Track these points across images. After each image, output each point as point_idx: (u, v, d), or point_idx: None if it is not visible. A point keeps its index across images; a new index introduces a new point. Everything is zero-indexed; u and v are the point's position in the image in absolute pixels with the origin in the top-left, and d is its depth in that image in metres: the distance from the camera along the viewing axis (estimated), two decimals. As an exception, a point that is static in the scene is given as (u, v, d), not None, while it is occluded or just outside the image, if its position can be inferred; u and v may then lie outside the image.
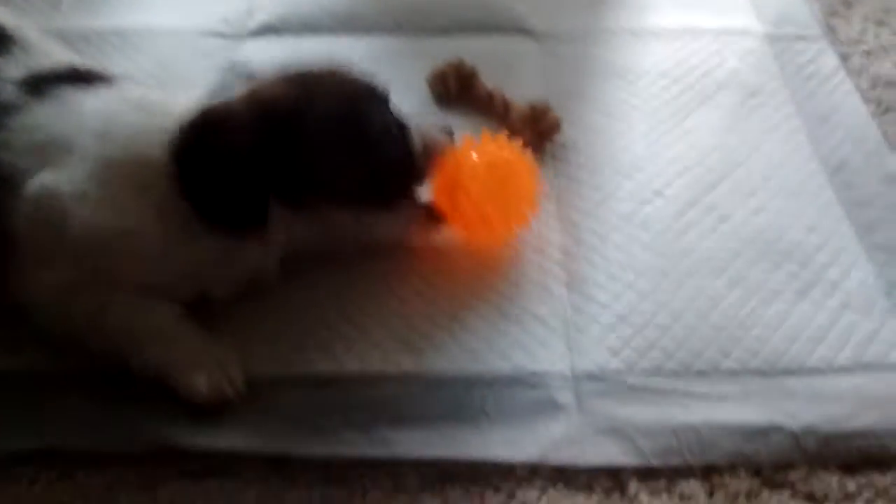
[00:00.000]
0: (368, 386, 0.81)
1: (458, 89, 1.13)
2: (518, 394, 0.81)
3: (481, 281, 0.91)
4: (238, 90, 0.84)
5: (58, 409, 0.80)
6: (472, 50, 1.18)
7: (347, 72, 0.88)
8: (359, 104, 0.84)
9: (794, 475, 0.76)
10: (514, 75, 1.17)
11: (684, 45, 1.22)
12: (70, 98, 0.85)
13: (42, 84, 0.86)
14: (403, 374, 0.82)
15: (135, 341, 0.80)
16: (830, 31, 1.24)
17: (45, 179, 0.80)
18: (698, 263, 0.92)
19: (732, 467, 0.76)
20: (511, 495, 0.75)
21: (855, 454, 0.76)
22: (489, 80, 1.13)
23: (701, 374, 0.82)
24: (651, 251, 0.93)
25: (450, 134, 0.93)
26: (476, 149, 0.91)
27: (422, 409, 0.79)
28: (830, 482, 0.75)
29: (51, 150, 0.81)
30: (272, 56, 1.19)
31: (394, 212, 0.89)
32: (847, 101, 1.12)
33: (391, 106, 0.88)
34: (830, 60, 1.19)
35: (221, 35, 1.24)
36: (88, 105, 0.84)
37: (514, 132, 1.04)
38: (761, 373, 0.82)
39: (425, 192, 0.92)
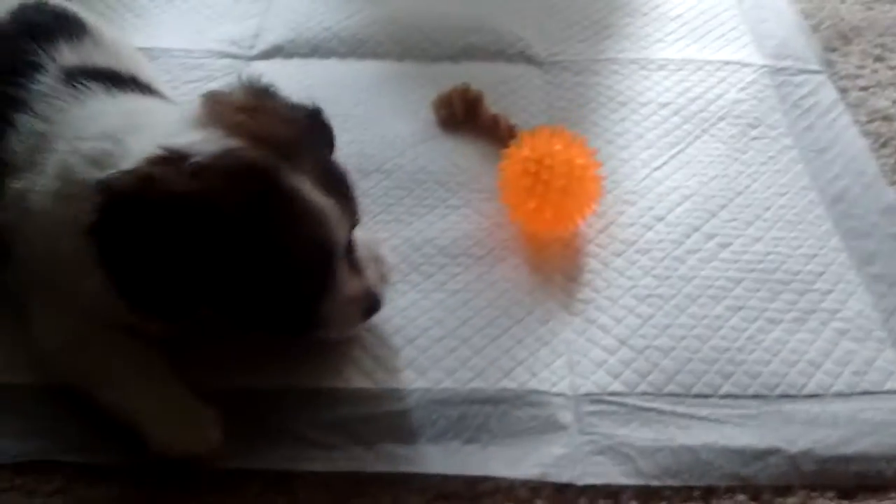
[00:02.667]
0: (373, 402, 0.82)
1: (463, 113, 1.14)
2: (520, 412, 0.82)
3: (485, 302, 0.92)
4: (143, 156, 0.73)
5: (59, 421, 0.80)
6: (477, 76, 1.19)
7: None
8: (266, 194, 0.71)
9: (792, 499, 0.76)
10: (519, 102, 1.18)
11: (686, 76, 1.23)
12: (88, 99, 0.83)
13: (79, 77, 0.84)
14: (408, 391, 0.82)
15: (106, 380, 0.78)
16: (829, 66, 1.26)
17: (21, 183, 0.79)
18: (699, 289, 0.93)
19: (731, 491, 0.76)
20: (510, 515, 0.75)
21: (852, 479, 0.77)
22: (494, 105, 1.14)
23: (700, 397, 0.83)
24: (652, 276, 0.94)
25: None
26: (556, 142, 0.95)
27: (425, 426, 0.80)
28: (829, 508, 0.76)
29: (41, 150, 0.80)
30: (279, 78, 1.23)
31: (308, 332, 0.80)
32: (845, 134, 1.14)
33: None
34: (829, 94, 1.20)
35: (230, 56, 1.26)
36: (94, 113, 0.81)
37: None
38: (760, 397, 0.83)
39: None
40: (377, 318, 0.86)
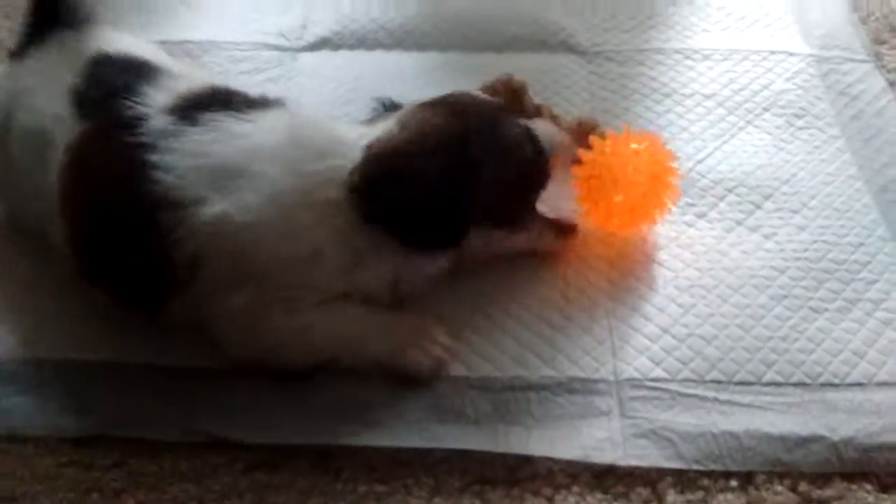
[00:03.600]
0: (417, 389, 0.84)
1: (507, 103, 1.15)
2: (562, 398, 0.84)
3: (529, 291, 0.93)
4: (389, 119, 0.89)
5: (115, 399, 0.84)
6: (522, 66, 1.19)
7: (472, 97, 0.95)
8: (502, 126, 0.90)
9: (830, 491, 0.77)
10: (563, 92, 1.20)
11: (731, 66, 1.24)
12: (228, 125, 0.87)
13: (192, 110, 0.88)
14: (453, 377, 0.85)
15: (346, 347, 0.85)
16: (877, 58, 1.25)
17: (222, 207, 0.82)
18: (742, 280, 0.94)
19: (770, 481, 0.78)
20: (550, 500, 0.77)
21: (892, 468, 0.77)
22: (538, 95, 1.15)
23: (743, 384, 0.84)
24: (694, 269, 0.95)
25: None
26: (632, 141, 0.95)
27: (469, 409, 0.83)
28: (866, 499, 0.76)
29: (220, 177, 0.84)
30: (326, 69, 1.25)
31: (529, 225, 0.93)
32: (893, 123, 1.13)
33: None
34: (878, 82, 1.20)
35: (278, 48, 1.29)
36: (259, 133, 0.87)
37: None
38: (803, 385, 0.84)
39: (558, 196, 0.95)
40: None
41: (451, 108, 0.89)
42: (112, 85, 0.91)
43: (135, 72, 0.93)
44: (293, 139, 0.86)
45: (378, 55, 1.28)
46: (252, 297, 0.83)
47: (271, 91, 1.16)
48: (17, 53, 1.00)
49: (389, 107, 0.94)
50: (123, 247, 0.85)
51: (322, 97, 1.20)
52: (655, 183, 0.94)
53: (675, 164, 0.96)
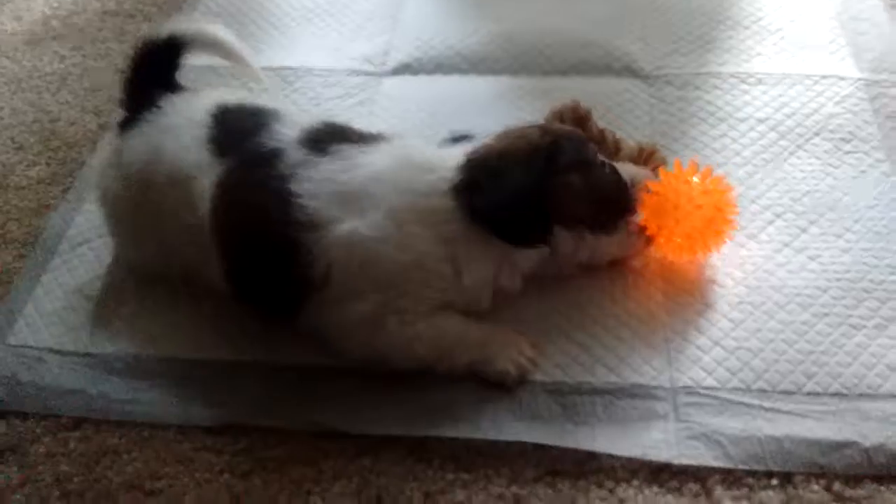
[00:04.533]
0: (499, 391, 0.95)
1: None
2: (623, 403, 0.93)
3: (594, 305, 1.03)
4: (488, 139, 1.00)
5: (242, 393, 0.97)
6: (587, 90, 1.29)
7: (561, 126, 1.08)
8: (586, 146, 1.02)
9: (861, 491, 0.85)
10: (625, 115, 1.28)
11: (784, 90, 1.30)
12: (352, 154, 0.98)
13: (318, 142, 0.99)
14: (529, 382, 0.95)
15: (445, 355, 0.96)
16: (926, 82, 1.30)
17: (353, 226, 0.94)
18: (787, 298, 1.02)
19: (807, 481, 0.86)
20: (611, 491, 0.87)
21: (920, 473, 0.86)
22: (601, 119, 1.22)
23: (785, 393, 0.93)
24: (744, 286, 1.03)
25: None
26: (692, 176, 1.03)
27: (543, 409, 0.93)
28: (893, 500, 0.84)
29: (350, 200, 0.95)
30: (407, 93, 1.35)
31: (614, 236, 1.03)
32: (938, 147, 1.18)
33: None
34: (924, 106, 1.25)
35: (364, 73, 1.39)
36: (375, 161, 0.98)
37: (623, 169, 1.18)
38: (840, 395, 0.92)
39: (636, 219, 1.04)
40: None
41: (542, 128, 1.03)
42: (243, 126, 1.02)
43: (258, 114, 1.04)
44: (401, 162, 0.98)
45: (455, 79, 1.38)
46: (373, 306, 0.94)
47: (360, 113, 1.31)
48: (127, 122, 1.08)
49: (459, 137, 1.03)
50: (271, 265, 0.97)
51: (404, 119, 1.30)
52: (714, 215, 1.01)
53: (733, 199, 1.03)
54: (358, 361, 0.97)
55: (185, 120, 1.04)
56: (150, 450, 0.94)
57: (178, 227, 1.01)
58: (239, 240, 0.99)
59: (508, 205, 0.95)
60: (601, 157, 1.03)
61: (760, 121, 1.25)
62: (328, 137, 1.01)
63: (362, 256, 0.94)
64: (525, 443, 0.91)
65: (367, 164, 0.98)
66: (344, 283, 0.95)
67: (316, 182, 0.96)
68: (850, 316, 1.00)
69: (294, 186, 0.96)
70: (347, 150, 0.99)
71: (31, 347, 1.03)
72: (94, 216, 1.17)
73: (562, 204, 0.97)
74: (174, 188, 1.01)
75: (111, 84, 1.39)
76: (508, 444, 0.91)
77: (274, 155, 0.98)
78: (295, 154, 0.98)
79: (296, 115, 1.07)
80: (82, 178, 1.25)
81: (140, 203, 1.04)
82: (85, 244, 1.15)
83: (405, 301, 0.95)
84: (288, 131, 1.01)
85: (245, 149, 1.00)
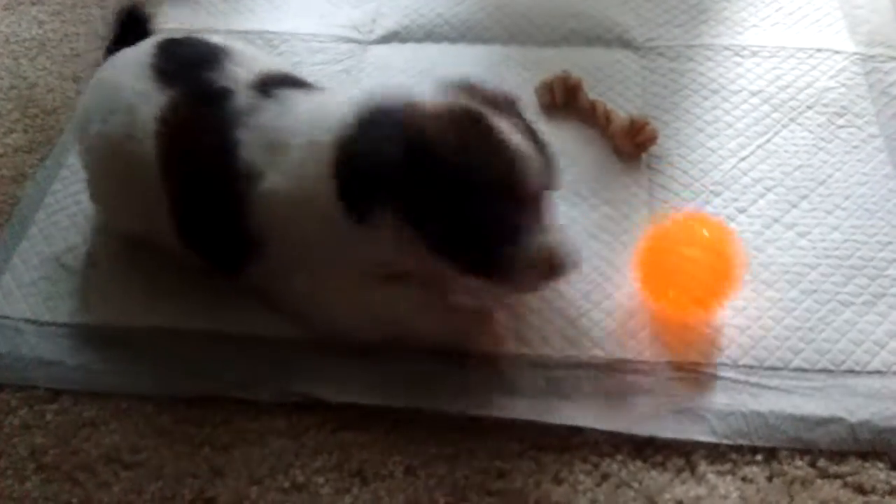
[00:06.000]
0: (482, 363, 0.94)
1: (563, 100, 1.23)
2: (609, 377, 0.92)
3: (582, 278, 1.00)
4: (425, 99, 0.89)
5: (223, 365, 0.95)
6: (577, 61, 1.27)
7: (512, 120, 0.89)
8: (491, 169, 0.84)
9: (846, 468, 0.85)
10: (616, 87, 1.25)
11: (778, 63, 1.28)
12: (289, 100, 0.92)
13: (266, 86, 0.94)
14: (512, 355, 0.94)
15: (409, 327, 0.92)
16: (921, 56, 1.28)
17: (273, 181, 0.89)
18: (776, 275, 1.01)
19: (792, 456, 0.86)
20: (596, 466, 0.87)
21: (904, 449, 0.86)
22: (593, 90, 1.22)
23: (772, 369, 0.92)
24: (733, 262, 1.02)
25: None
26: (698, 226, 0.96)
27: (527, 383, 0.92)
28: (878, 476, 0.84)
29: (276, 149, 0.89)
30: (395, 62, 1.32)
31: (498, 281, 0.89)
32: (931, 123, 1.17)
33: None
34: (919, 82, 1.23)
35: (351, 41, 1.37)
36: (301, 109, 0.91)
37: (613, 142, 1.16)
38: (827, 371, 0.92)
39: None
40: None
41: (457, 125, 0.85)
42: (191, 58, 0.97)
43: (209, 48, 0.99)
44: (319, 110, 0.90)
45: (443, 48, 1.35)
46: (310, 276, 0.90)
47: (344, 80, 1.28)
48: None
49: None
50: (210, 212, 0.93)
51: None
52: (718, 270, 0.94)
53: (740, 256, 0.95)
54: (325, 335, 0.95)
55: (132, 53, 1.01)
56: (128, 422, 0.92)
57: (134, 169, 0.96)
58: (181, 177, 0.94)
59: (361, 189, 0.86)
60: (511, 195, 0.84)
61: (753, 93, 1.24)
62: (277, 82, 0.95)
63: (282, 215, 0.89)
64: (509, 417, 0.90)
65: (295, 111, 0.91)
66: (277, 247, 0.91)
67: (254, 130, 0.91)
68: (839, 293, 0.99)
69: (237, 133, 0.91)
70: (286, 95, 0.93)
71: (7, 318, 1.01)
72: (72, 184, 1.15)
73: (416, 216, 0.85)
74: (123, 122, 0.96)
75: (91, 50, 1.36)
76: (492, 418, 0.90)
77: (223, 95, 0.94)
78: (243, 97, 0.93)
79: (250, 55, 1.01)
80: (60, 146, 1.23)
81: (106, 152, 1.00)
82: (62, 212, 1.13)
83: (339, 268, 0.90)
84: (241, 71, 0.96)
85: (192, 81, 0.95)
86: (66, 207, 1.13)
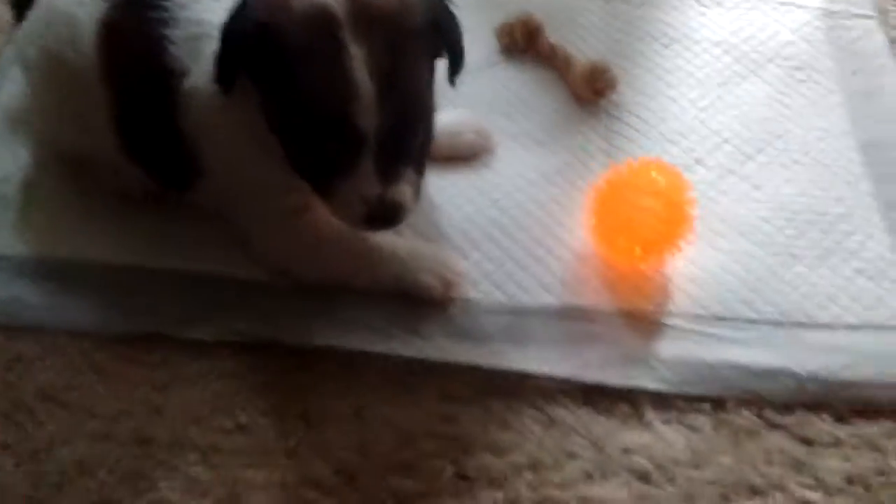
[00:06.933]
0: (430, 305, 0.92)
1: (523, 42, 1.20)
2: (559, 324, 0.92)
3: (533, 221, 1.00)
4: None
5: (163, 302, 0.92)
6: (540, 3, 1.24)
7: None
8: (314, 85, 0.78)
9: (791, 419, 0.86)
10: (578, 31, 1.23)
11: (741, 14, 1.27)
12: None
13: None
14: (464, 300, 0.93)
15: (361, 267, 0.90)
16: (882, 14, 1.28)
17: (193, 78, 0.85)
18: (729, 227, 1.00)
19: (738, 407, 0.86)
20: (543, 410, 0.86)
21: (849, 401, 0.87)
22: (554, 33, 1.19)
23: (721, 319, 0.92)
24: (686, 212, 1.02)
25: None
26: (654, 174, 0.94)
27: (477, 329, 0.91)
28: (822, 428, 0.85)
29: (199, 44, 0.84)
30: None
31: (328, 207, 0.85)
32: (890, 82, 1.18)
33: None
34: (879, 39, 1.24)
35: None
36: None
37: (572, 87, 1.14)
38: (777, 323, 0.92)
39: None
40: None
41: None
42: None
43: None
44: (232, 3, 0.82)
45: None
46: (252, 201, 0.88)
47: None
48: None
49: None
50: (148, 119, 0.89)
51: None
52: (673, 221, 0.92)
53: (693, 206, 0.94)
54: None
55: None
56: (64, 359, 0.89)
57: (75, 80, 0.92)
58: (120, 86, 0.90)
59: (221, 61, 0.81)
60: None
61: (715, 44, 1.23)
62: None
63: (204, 115, 0.85)
64: (457, 361, 0.89)
65: (223, 3, 0.84)
66: (207, 153, 0.88)
67: (184, 26, 0.86)
68: (791, 246, 0.99)
69: (169, 31, 0.86)
70: None
71: (-62, 248, 0.97)
72: (9, 109, 1.09)
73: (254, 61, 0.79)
74: (64, 33, 0.91)
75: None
76: (441, 362, 0.89)
77: None
78: None
79: None
80: (-3, 71, 1.17)
81: (47, 65, 0.95)
82: (-3, 139, 1.08)
83: (279, 193, 0.87)
84: None
85: None
86: (2, 134, 1.07)
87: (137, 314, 0.91)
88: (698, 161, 1.08)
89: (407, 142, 0.82)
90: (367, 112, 0.77)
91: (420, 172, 0.86)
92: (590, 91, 1.13)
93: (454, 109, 1.01)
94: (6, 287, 0.94)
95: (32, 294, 0.93)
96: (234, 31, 0.80)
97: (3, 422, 0.85)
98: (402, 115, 0.80)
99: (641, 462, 0.83)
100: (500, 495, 0.81)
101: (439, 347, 0.89)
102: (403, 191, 0.83)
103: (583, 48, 1.19)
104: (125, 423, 0.85)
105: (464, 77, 1.13)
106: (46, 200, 1.01)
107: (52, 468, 0.82)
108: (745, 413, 0.86)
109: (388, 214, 0.83)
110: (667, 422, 0.86)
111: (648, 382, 0.87)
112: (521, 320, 0.92)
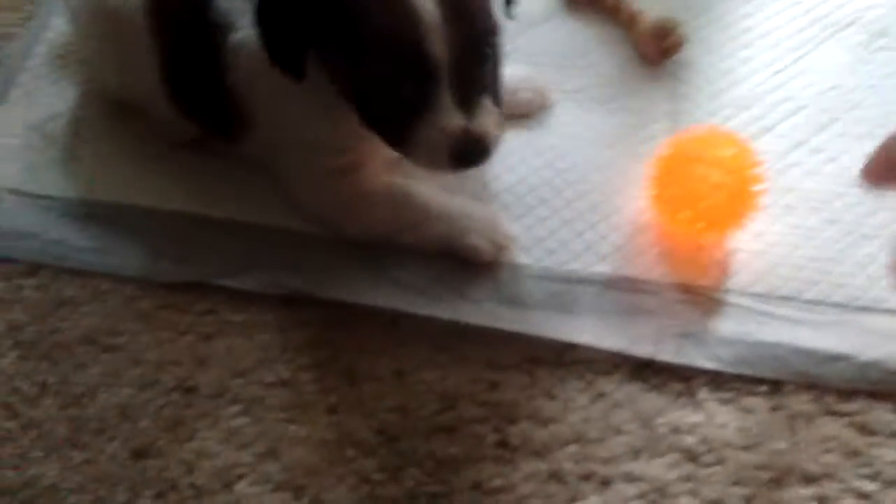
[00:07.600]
0: (479, 268, 0.90)
1: (586, -5, 1.15)
2: (611, 295, 0.89)
3: (589, 186, 0.97)
4: None
5: (211, 251, 0.91)
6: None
7: None
8: (384, 24, 0.75)
9: (852, 406, 0.82)
10: (646, -14, 1.17)
11: (822, -28, 1.20)
12: None
13: None
14: (513, 265, 0.90)
15: (409, 225, 0.89)
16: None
17: (240, 32, 0.83)
18: (798, 201, 0.95)
19: (797, 391, 0.83)
20: (590, 383, 0.84)
21: (913, 393, 0.83)
22: (621, -13, 1.15)
23: (784, 299, 0.88)
24: (752, 184, 0.97)
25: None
26: (720, 144, 0.90)
27: (526, 295, 0.88)
28: (884, 418, 0.82)
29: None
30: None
31: (404, 153, 0.82)
32: (976, 51, 1.11)
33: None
34: (967, 5, 1.16)
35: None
36: None
37: (637, 45, 1.09)
38: (841, 306, 0.88)
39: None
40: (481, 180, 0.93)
41: None
42: None
43: None
44: None
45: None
46: (301, 153, 0.87)
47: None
48: None
49: None
50: (197, 70, 0.88)
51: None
52: (736, 191, 0.89)
53: (760, 178, 0.89)
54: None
55: None
56: (108, 304, 0.89)
57: (123, 27, 0.91)
58: (169, 35, 0.89)
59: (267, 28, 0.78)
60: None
61: (793, 3, 1.15)
62: None
63: (248, 69, 0.83)
64: (505, 328, 0.87)
65: None
66: (253, 107, 0.86)
67: None
68: (863, 224, 0.94)
69: None
70: None
71: (-14, 185, 0.97)
72: (57, 47, 1.08)
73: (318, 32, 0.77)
74: None
75: None
76: (487, 328, 0.87)
77: None
78: None
79: None
80: (46, 5, 1.14)
81: (95, 9, 0.94)
82: (45, 78, 1.06)
83: (328, 153, 0.86)
84: None
85: None
86: (52, 73, 1.06)
87: (184, 262, 0.91)
88: (767, 129, 1.02)
89: (481, 68, 0.79)
90: (437, 38, 0.74)
91: (497, 103, 0.82)
92: (656, 49, 1.07)
93: (512, 64, 0.97)
94: (53, 228, 0.94)
95: (79, 237, 0.93)
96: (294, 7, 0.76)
97: (48, 365, 0.86)
98: (471, 39, 0.77)
99: (691, 442, 0.81)
100: (543, 466, 0.80)
101: (486, 312, 0.87)
102: (487, 122, 0.79)
103: (650, 3, 1.13)
104: (170, 371, 0.85)
105: (522, 29, 1.10)
106: (94, 141, 1.00)
107: (93, 413, 0.83)
108: (804, 398, 0.83)
109: (476, 148, 0.79)
110: (721, 402, 0.83)
111: (703, 360, 0.84)
112: (572, 289, 0.89)
